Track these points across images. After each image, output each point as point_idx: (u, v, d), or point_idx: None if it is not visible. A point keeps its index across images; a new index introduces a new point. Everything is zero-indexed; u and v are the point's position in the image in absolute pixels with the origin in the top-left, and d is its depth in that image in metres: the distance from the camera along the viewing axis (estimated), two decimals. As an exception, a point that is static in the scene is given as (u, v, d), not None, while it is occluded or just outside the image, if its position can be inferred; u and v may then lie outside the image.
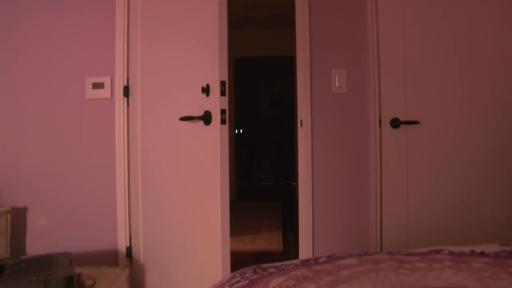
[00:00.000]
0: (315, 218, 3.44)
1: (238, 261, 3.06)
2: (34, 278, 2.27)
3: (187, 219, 2.95)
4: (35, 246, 3.53)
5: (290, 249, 4.93)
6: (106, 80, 3.48)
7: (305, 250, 3.45)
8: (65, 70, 3.52)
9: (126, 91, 3.45)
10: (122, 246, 3.46)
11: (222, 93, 2.62)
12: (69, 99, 3.52)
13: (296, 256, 3.54)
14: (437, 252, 1.86)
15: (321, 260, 1.76)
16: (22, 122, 3.54)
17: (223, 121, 2.63)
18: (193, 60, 2.87)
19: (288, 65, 8.56)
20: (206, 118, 2.68)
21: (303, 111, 3.45)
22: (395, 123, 3.33)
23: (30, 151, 3.54)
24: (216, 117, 2.64)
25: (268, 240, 5.34)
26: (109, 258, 3.47)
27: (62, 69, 3.53)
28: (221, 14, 2.63)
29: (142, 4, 3.34)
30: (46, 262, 2.52)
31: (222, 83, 2.62)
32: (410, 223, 3.35)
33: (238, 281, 1.56)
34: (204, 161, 2.77)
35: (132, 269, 3.43)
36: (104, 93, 3.49)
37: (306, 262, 1.74)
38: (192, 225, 2.91)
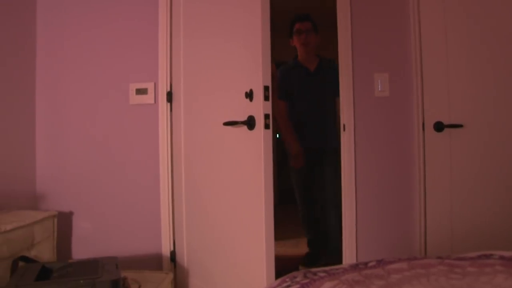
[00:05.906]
0: (358, 222, 3.42)
1: (281, 265, 3.05)
2: (81, 281, 2.31)
3: (231, 224, 2.96)
4: (80, 250, 3.59)
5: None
6: (150, 85, 3.52)
7: (348, 254, 3.42)
8: (109, 76, 3.59)
9: (169, 97, 3.48)
10: (166, 250, 3.49)
11: (266, 98, 2.62)
12: (113, 105, 3.58)
13: (338, 260, 3.52)
14: (487, 256, 1.84)
15: (371, 264, 1.75)
16: (67, 128, 3.62)
17: (266, 126, 2.63)
18: (236, 64, 2.89)
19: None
20: (250, 123, 2.69)
21: (346, 115, 3.43)
22: (439, 126, 3.29)
23: (76, 158, 3.61)
24: (259, 122, 2.64)
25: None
26: (153, 262, 3.50)
27: (106, 76, 3.59)
28: (264, 17, 2.63)
29: (185, 5, 3.36)
30: (93, 266, 2.56)
31: (266, 88, 2.62)
32: (454, 227, 3.30)
33: (288, 286, 1.56)
34: (248, 166, 2.78)
35: (176, 273, 3.46)
36: (148, 98, 3.53)
37: (355, 267, 1.73)
38: (235, 229, 2.92)
